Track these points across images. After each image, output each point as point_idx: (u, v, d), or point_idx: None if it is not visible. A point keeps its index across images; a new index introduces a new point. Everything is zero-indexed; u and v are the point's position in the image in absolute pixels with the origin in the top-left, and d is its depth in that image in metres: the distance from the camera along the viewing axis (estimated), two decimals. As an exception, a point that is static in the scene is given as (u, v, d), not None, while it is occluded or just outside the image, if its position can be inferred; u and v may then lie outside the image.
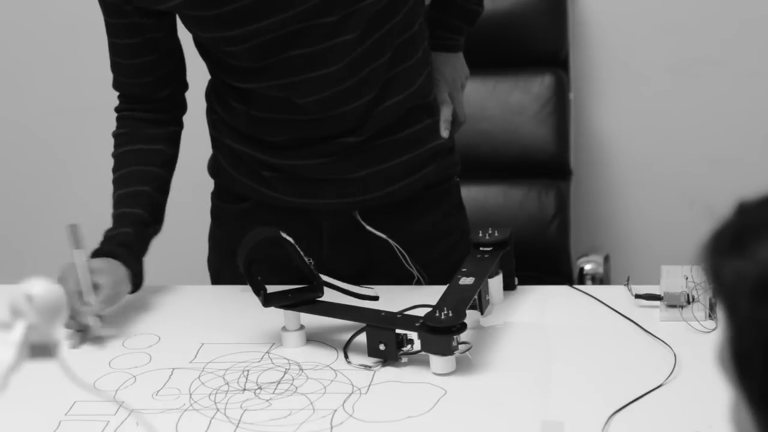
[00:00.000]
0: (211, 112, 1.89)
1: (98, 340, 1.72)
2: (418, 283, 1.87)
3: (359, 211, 1.84)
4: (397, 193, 1.84)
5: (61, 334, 1.16)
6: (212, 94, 1.87)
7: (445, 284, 1.67)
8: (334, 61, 1.71)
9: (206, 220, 1.99)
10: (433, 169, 1.86)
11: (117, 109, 1.88)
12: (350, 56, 1.72)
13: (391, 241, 1.85)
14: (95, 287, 1.70)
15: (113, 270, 1.73)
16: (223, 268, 1.97)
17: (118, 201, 1.83)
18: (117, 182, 1.85)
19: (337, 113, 1.75)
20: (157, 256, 2.40)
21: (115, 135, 1.87)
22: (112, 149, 1.87)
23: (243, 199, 1.89)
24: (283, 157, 1.81)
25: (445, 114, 1.87)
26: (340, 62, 1.72)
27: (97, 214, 2.93)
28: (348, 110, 1.75)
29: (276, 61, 1.71)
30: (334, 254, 1.85)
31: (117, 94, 1.88)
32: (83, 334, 1.72)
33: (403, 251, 1.86)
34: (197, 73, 1.88)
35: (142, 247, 1.82)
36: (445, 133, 1.86)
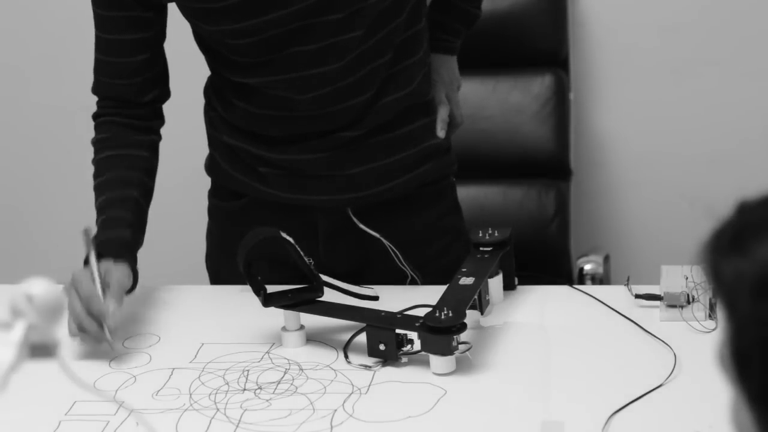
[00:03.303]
0: (209, 109, 1.89)
1: (118, 349, 1.67)
2: (413, 282, 1.88)
3: (354, 208, 1.84)
4: (391, 191, 1.84)
5: (61, 334, 1.16)
6: (211, 90, 1.87)
7: (440, 284, 1.67)
8: (337, 58, 1.72)
9: (205, 220, 2.00)
10: (428, 168, 1.86)
11: (95, 115, 1.84)
12: (353, 54, 1.72)
13: (384, 240, 1.85)
14: (105, 289, 1.67)
15: (119, 271, 1.71)
16: (222, 267, 1.97)
17: (106, 204, 1.78)
18: (101, 187, 1.79)
19: (336, 110, 1.76)
20: (156, 255, 2.39)
21: (95, 141, 1.83)
22: (92, 156, 1.83)
23: (239, 196, 1.89)
24: (280, 153, 1.81)
25: (442, 114, 1.87)
26: (342, 60, 1.72)
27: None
28: (347, 107, 1.76)
29: (279, 56, 1.72)
30: (329, 252, 1.86)
31: (97, 99, 1.85)
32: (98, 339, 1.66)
33: (396, 250, 1.86)
34: (196, 72, 1.88)
35: (136, 250, 1.79)
36: (441, 133, 1.86)
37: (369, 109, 1.78)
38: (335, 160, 1.80)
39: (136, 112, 1.83)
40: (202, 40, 1.80)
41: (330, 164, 1.80)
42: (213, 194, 1.96)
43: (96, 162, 1.82)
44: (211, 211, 1.98)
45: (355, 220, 1.85)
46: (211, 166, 1.92)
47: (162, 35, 1.81)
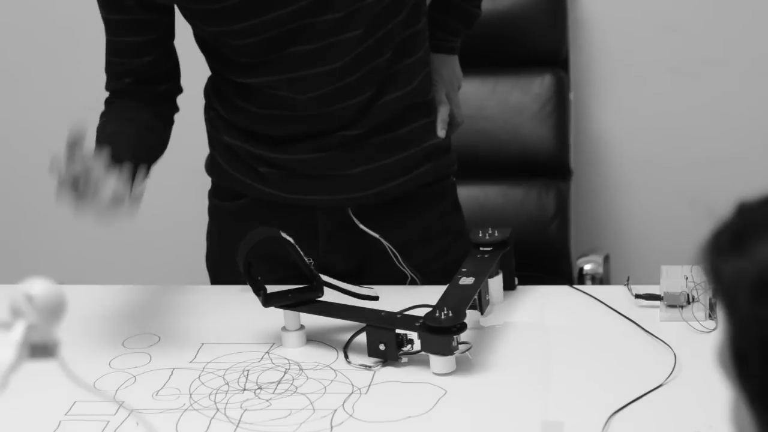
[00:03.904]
0: (209, 109, 1.89)
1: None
2: (412, 282, 1.88)
3: (354, 208, 1.84)
4: (392, 191, 1.84)
5: (61, 334, 1.14)
6: (211, 90, 1.87)
7: (440, 284, 1.67)
8: (337, 57, 1.72)
9: (205, 220, 1.99)
10: (429, 169, 1.86)
11: (107, 100, 1.84)
12: (353, 53, 1.72)
13: (383, 240, 1.85)
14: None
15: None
16: (222, 266, 1.97)
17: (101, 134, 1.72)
18: (99, 129, 1.75)
19: (336, 109, 1.76)
20: (156, 255, 2.38)
21: (102, 113, 1.82)
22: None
23: (239, 196, 1.89)
24: (280, 152, 1.81)
25: (442, 114, 1.87)
26: (342, 59, 1.72)
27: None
28: (347, 106, 1.76)
29: (279, 56, 1.72)
30: (329, 251, 1.86)
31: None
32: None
33: (395, 251, 1.86)
34: (197, 72, 1.88)
35: (140, 149, 1.70)
36: (441, 132, 1.86)
37: (369, 108, 1.78)
38: (335, 160, 1.80)
39: (147, 97, 1.81)
40: (202, 40, 1.80)
41: (330, 164, 1.80)
42: (213, 194, 1.96)
43: (98, 125, 1.79)
44: (211, 211, 1.98)
45: (355, 220, 1.85)
46: (211, 166, 1.92)
47: (169, 36, 1.80)
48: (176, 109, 1.87)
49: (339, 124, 1.78)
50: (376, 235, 1.85)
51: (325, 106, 1.76)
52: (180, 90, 1.87)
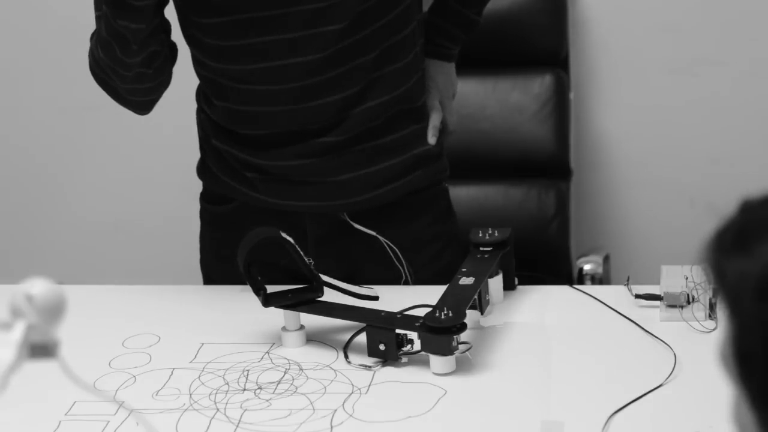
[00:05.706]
0: (199, 112, 1.90)
1: None
2: (406, 283, 1.87)
3: (344, 214, 1.84)
4: (381, 198, 1.83)
5: (61, 334, 1.14)
6: (200, 93, 1.87)
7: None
8: (318, 49, 1.72)
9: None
10: (419, 175, 1.86)
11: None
12: (334, 47, 1.72)
13: (380, 237, 1.85)
14: None
15: None
16: (213, 270, 1.97)
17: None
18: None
19: (315, 105, 1.75)
20: (156, 255, 2.38)
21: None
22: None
23: (228, 200, 1.89)
24: (266, 158, 1.81)
25: (434, 120, 1.87)
26: (323, 51, 1.72)
27: (98, 214, 2.94)
28: (328, 102, 1.75)
29: (258, 42, 1.71)
30: (319, 257, 1.84)
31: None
32: None
33: (393, 246, 1.85)
34: (191, 75, 1.88)
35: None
36: (432, 139, 1.86)
37: (351, 110, 1.77)
38: (321, 167, 1.80)
39: None
40: (183, 17, 1.77)
41: (317, 171, 1.80)
42: (203, 197, 1.97)
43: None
44: (202, 214, 1.98)
45: (350, 221, 1.84)
46: (201, 170, 1.93)
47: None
48: (174, 51, 1.80)
49: (321, 125, 1.77)
50: (373, 233, 1.85)
51: (304, 100, 1.75)
52: (174, 52, 1.80)
